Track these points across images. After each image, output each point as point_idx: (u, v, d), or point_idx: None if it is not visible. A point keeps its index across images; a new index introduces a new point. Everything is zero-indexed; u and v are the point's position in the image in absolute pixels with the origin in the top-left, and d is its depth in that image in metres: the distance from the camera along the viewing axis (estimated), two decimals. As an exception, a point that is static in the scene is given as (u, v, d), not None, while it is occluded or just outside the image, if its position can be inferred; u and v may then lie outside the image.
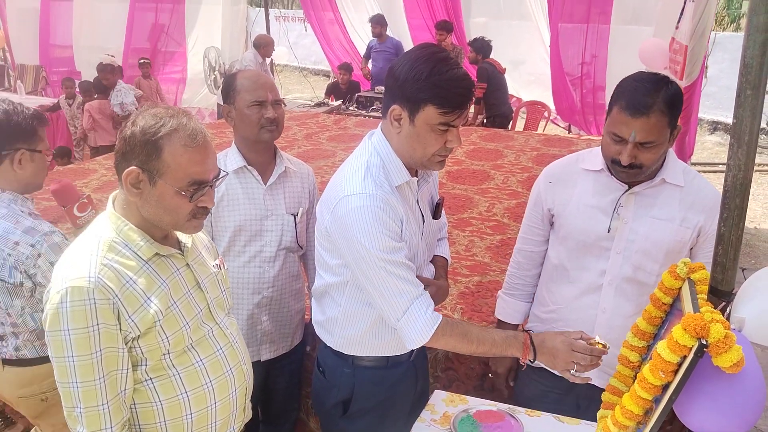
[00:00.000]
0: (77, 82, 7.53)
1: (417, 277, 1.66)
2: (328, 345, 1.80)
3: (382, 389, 1.78)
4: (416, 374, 1.87)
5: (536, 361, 1.59)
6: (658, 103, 1.62)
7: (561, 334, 1.60)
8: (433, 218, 1.82)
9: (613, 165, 1.73)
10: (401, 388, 1.79)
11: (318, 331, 1.84)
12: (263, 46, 7.83)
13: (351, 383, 1.78)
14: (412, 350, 1.77)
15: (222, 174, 1.49)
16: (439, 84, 1.52)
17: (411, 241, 1.67)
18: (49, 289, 1.39)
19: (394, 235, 1.58)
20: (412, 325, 1.57)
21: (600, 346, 1.56)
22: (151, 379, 1.45)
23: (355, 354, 1.77)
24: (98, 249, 1.39)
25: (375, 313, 1.67)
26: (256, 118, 2.05)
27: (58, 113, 7.35)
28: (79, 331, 1.33)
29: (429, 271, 1.84)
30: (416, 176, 1.70)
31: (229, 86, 2.09)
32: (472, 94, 1.58)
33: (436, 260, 1.91)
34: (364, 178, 1.59)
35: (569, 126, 8.53)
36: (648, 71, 1.72)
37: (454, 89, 1.53)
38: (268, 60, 8.05)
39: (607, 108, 1.73)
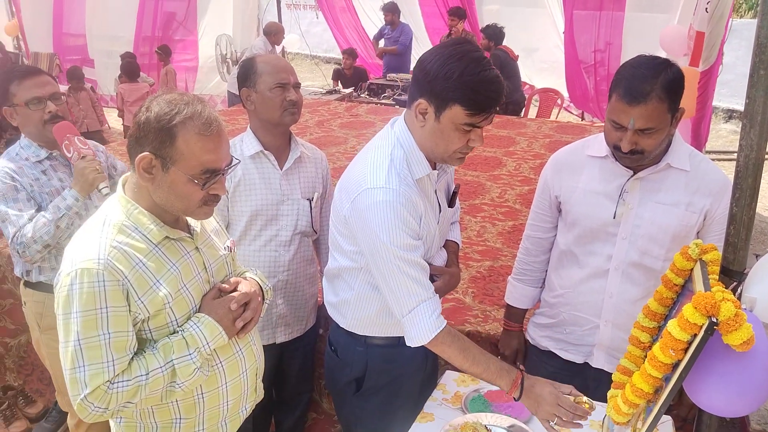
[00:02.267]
0: (66, 69, 7.65)
1: (430, 266, 1.68)
2: (340, 326, 1.83)
3: (393, 367, 1.81)
4: (426, 353, 1.89)
5: (520, 399, 1.60)
6: (656, 90, 1.60)
7: (551, 385, 1.61)
8: (449, 206, 1.83)
9: (616, 151, 1.73)
10: (412, 366, 1.82)
11: (330, 311, 1.87)
12: (273, 33, 7.82)
13: (364, 361, 1.81)
14: None
15: (234, 162, 1.50)
16: (469, 85, 1.49)
17: (428, 231, 1.69)
18: (59, 272, 1.40)
19: (413, 233, 1.59)
20: (415, 325, 1.60)
21: (586, 405, 1.57)
22: None
23: (367, 334, 1.80)
24: (107, 232, 1.41)
25: None
26: (279, 100, 2.06)
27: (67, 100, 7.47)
28: (87, 313, 1.34)
29: (441, 258, 1.86)
30: (435, 168, 1.71)
31: (248, 70, 2.10)
32: (501, 97, 1.55)
33: (448, 245, 1.93)
34: (388, 172, 1.58)
35: (582, 113, 8.47)
36: (648, 55, 1.69)
37: (485, 92, 1.51)
38: (278, 48, 8.04)
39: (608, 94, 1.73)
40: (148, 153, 1.39)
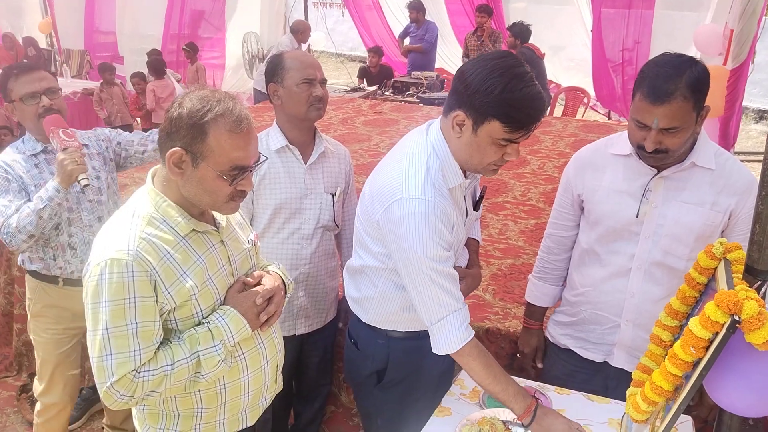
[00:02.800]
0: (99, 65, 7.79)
1: (454, 268, 1.68)
2: (362, 320, 1.84)
3: (414, 359, 1.82)
4: None
5: (530, 427, 1.60)
6: (680, 89, 1.57)
7: (564, 418, 1.62)
8: (474, 210, 1.84)
9: (639, 150, 1.71)
10: (431, 359, 1.83)
11: (352, 305, 1.88)
12: (300, 31, 7.87)
13: (385, 354, 1.83)
14: None
15: (262, 159, 1.52)
16: (510, 102, 1.48)
17: (457, 238, 1.70)
18: (89, 262, 1.42)
19: (446, 244, 1.59)
20: (443, 334, 1.61)
21: None
22: None
23: (388, 328, 1.81)
24: (137, 223, 1.43)
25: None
26: (305, 96, 2.08)
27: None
28: (116, 302, 1.37)
29: (464, 257, 1.87)
30: (467, 176, 1.71)
31: (276, 66, 2.12)
32: (542, 114, 1.54)
33: (469, 244, 1.93)
34: (425, 182, 1.58)
35: (609, 112, 8.37)
36: (672, 53, 1.66)
37: (525, 110, 1.50)
38: (304, 45, 8.10)
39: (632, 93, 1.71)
40: (179, 148, 1.40)
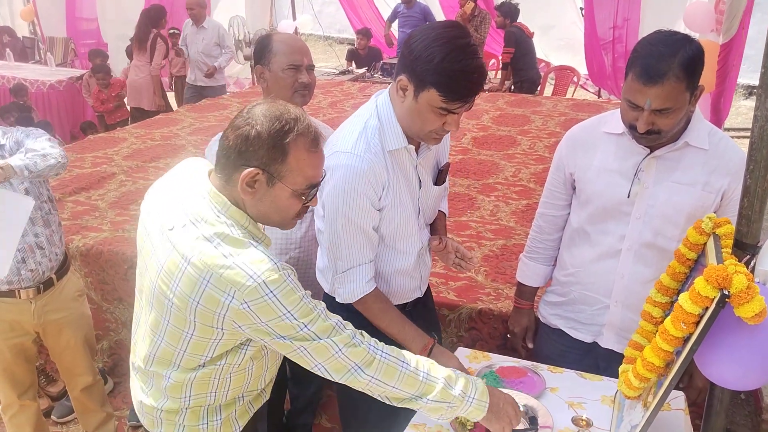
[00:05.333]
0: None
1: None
2: (324, 290, 1.88)
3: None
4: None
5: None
6: (673, 69, 1.54)
7: (455, 357, 1.73)
8: (435, 184, 1.83)
9: (631, 130, 1.69)
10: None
11: (318, 276, 1.92)
12: (190, 8, 6.89)
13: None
14: (406, 302, 1.87)
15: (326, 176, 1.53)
16: (447, 72, 1.49)
17: (397, 204, 1.71)
18: (233, 288, 1.32)
19: (368, 200, 1.64)
20: (346, 284, 1.71)
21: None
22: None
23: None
24: (254, 243, 1.38)
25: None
26: (290, 81, 2.06)
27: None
28: (299, 305, 1.36)
29: (424, 238, 1.87)
30: (419, 145, 1.71)
31: (263, 48, 2.09)
32: (479, 88, 1.57)
33: (438, 217, 1.96)
34: (357, 139, 1.64)
35: (599, 90, 8.35)
36: (666, 30, 1.63)
37: (462, 81, 1.52)
38: (205, 24, 7.01)
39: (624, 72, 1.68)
40: (254, 168, 1.35)
